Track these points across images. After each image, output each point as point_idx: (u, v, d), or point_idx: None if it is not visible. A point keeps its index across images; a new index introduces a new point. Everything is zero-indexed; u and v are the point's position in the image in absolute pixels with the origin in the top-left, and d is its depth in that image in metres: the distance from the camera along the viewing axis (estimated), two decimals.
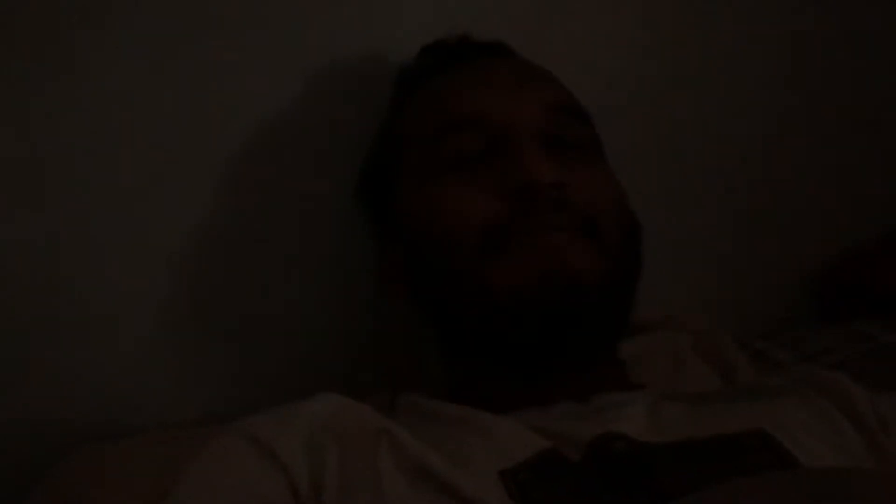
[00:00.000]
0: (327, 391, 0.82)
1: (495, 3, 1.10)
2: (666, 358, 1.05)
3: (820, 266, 1.31)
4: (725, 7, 1.22)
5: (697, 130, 1.23)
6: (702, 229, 1.24)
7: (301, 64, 1.02)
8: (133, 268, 1.00)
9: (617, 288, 0.86)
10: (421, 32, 1.02)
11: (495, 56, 0.98)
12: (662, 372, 1.03)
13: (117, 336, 1.00)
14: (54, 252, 0.97)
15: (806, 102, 1.28)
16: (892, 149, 1.34)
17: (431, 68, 0.97)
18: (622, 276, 0.87)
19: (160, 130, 0.99)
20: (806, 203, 1.29)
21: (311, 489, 0.74)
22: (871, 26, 1.30)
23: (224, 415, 0.92)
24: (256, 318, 1.05)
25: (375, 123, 1.00)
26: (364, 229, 1.01)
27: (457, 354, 0.91)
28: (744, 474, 0.71)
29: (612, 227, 0.87)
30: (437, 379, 0.93)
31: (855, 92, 1.30)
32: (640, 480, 0.73)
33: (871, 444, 0.81)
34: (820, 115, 1.29)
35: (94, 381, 1.00)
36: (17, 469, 0.95)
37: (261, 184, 1.04)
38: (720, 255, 1.26)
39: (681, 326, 1.10)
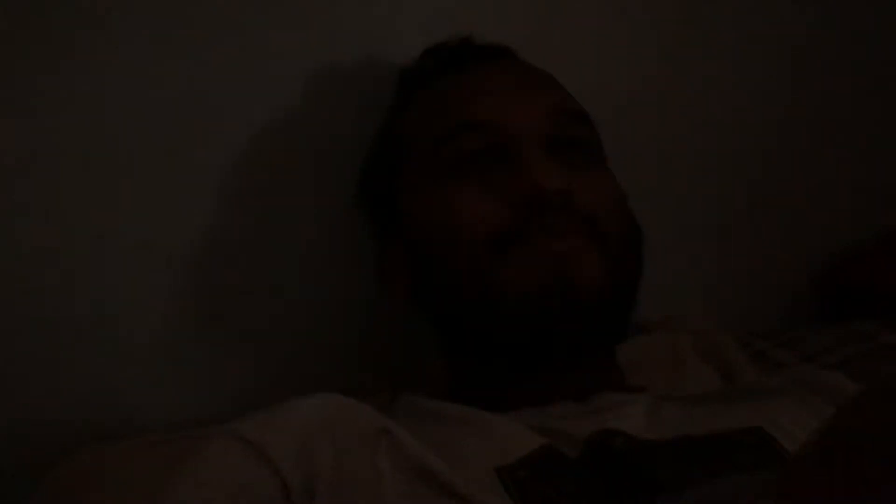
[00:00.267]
0: (327, 391, 0.82)
1: (496, 5, 1.10)
2: (666, 358, 1.05)
3: (820, 266, 1.31)
4: (726, 7, 1.22)
5: (698, 131, 1.23)
6: (702, 229, 1.24)
7: (301, 64, 1.03)
8: (133, 268, 1.00)
9: (618, 293, 0.87)
10: (422, 34, 1.02)
11: (498, 59, 0.98)
12: (663, 373, 1.03)
13: (117, 336, 1.00)
14: (55, 252, 0.97)
15: (806, 102, 1.28)
16: (892, 149, 1.34)
17: (434, 70, 0.97)
18: (624, 280, 0.88)
19: (161, 131, 0.99)
20: (806, 203, 1.29)
21: (304, 489, 0.74)
22: (872, 25, 1.30)
23: (224, 415, 0.91)
24: (256, 319, 1.05)
25: (376, 123, 1.00)
26: (364, 229, 1.01)
27: (457, 355, 0.92)
28: (740, 471, 0.71)
29: (615, 232, 0.88)
30: (436, 379, 0.94)
31: (854, 92, 1.30)
32: (638, 476, 0.74)
33: None
34: (820, 116, 1.29)
35: (95, 381, 1.00)
36: (17, 469, 0.95)
37: (261, 184, 1.04)
38: (720, 256, 1.26)
39: (681, 327, 1.10)
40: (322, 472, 0.74)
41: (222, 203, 1.02)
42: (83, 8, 0.95)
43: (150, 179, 0.99)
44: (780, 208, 1.28)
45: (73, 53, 0.95)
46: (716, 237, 1.25)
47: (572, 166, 0.87)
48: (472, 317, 0.87)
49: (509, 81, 0.93)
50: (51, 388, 0.98)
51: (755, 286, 1.28)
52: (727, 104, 1.24)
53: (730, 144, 1.24)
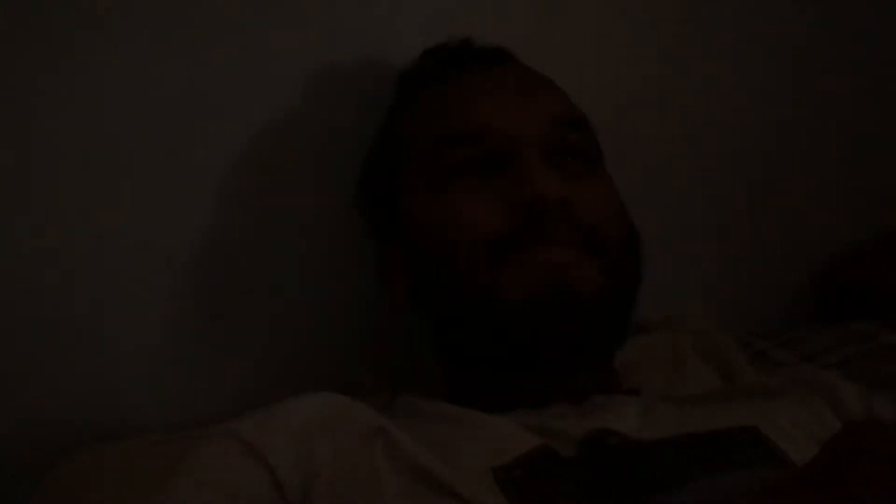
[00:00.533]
0: (327, 391, 0.82)
1: (496, 5, 1.10)
2: (666, 359, 1.06)
3: (820, 266, 1.31)
4: (725, 7, 1.22)
5: (698, 131, 1.23)
6: (702, 229, 1.24)
7: (301, 64, 1.02)
8: (134, 268, 1.00)
9: (617, 300, 0.88)
10: (421, 34, 1.02)
11: (498, 63, 0.98)
12: (663, 373, 1.04)
13: (117, 336, 1.00)
14: (55, 252, 0.97)
15: (806, 103, 1.28)
16: (892, 149, 1.34)
17: (433, 73, 0.97)
18: (623, 288, 0.89)
19: (161, 131, 0.99)
20: (806, 203, 1.29)
21: (300, 489, 0.74)
22: (872, 25, 1.30)
23: (224, 415, 0.91)
24: (256, 319, 1.05)
25: (376, 124, 1.00)
26: (364, 229, 1.01)
27: (455, 356, 0.92)
28: (735, 469, 0.71)
29: (615, 240, 0.88)
30: (434, 379, 0.94)
31: (854, 92, 1.30)
32: (634, 475, 0.74)
33: None
34: (820, 116, 1.29)
35: (95, 381, 1.00)
36: (17, 469, 0.95)
37: (261, 184, 1.04)
38: (720, 256, 1.26)
39: (681, 327, 1.10)
40: (320, 472, 0.74)
41: (222, 203, 1.02)
42: (83, 8, 0.95)
43: (150, 179, 0.99)
44: (780, 208, 1.28)
45: (73, 53, 0.95)
46: (716, 237, 1.25)
47: (572, 173, 0.88)
48: (470, 320, 0.87)
49: (509, 86, 0.93)
50: (51, 388, 0.98)
51: (755, 286, 1.28)
52: (727, 104, 1.24)
53: (730, 144, 1.24)
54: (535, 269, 0.84)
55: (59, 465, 0.91)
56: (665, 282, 1.02)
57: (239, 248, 1.04)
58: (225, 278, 1.04)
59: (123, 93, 0.97)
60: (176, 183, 1.00)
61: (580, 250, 0.85)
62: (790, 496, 0.59)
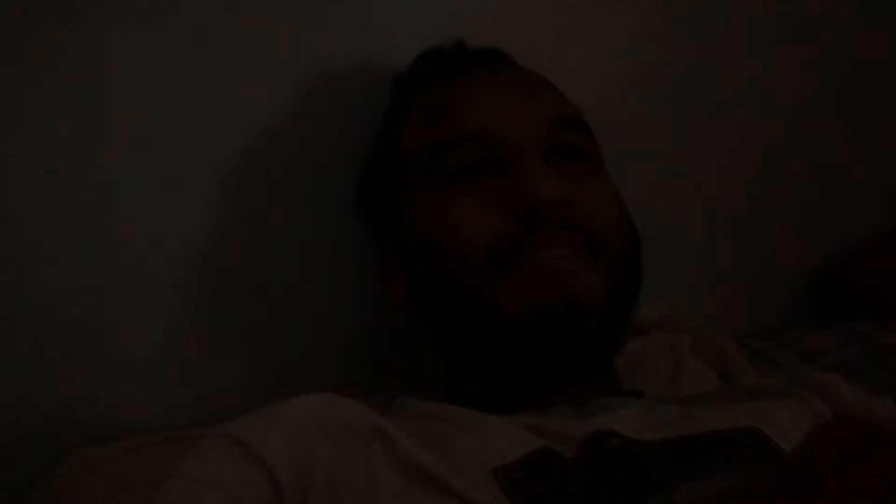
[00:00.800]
0: (326, 391, 0.82)
1: (494, 7, 1.10)
2: (666, 359, 1.06)
3: (820, 266, 1.31)
4: (728, 4, 1.22)
5: (698, 131, 1.23)
6: (702, 229, 1.24)
7: (299, 67, 1.03)
8: (134, 269, 1.00)
9: (618, 305, 0.88)
10: (417, 38, 1.02)
11: (493, 65, 0.98)
12: (663, 373, 1.04)
13: (117, 337, 1.00)
14: (55, 253, 0.97)
15: (807, 103, 1.28)
16: (892, 148, 1.34)
17: (429, 77, 0.97)
18: (623, 292, 0.89)
19: (161, 132, 0.99)
20: (806, 203, 1.29)
21: (297, 489, 0.74)
22: (872, 26, 1.30)
23: (224, 416, 0.91)
24: (256, 320, 1.05)
25: (375, 127, 1.00)
26: (364, 231, 1.01)
27: (454, 362, 0.92)
28: (734, 469, 0.71)
29: (616, 241, 0.88)
30: (434, 380, 0.94)
31: (855, 93, 1.30)
32: (634, 476, 0.74)
33: None
34: (819, 117, 1.29)
35: (95, 381, 1.00)
36: (17, 470, 0.95)
37: (261, 185, 1.04)
38: (720, 255, 1.26)
39: (681, 327, 1.10)
40: (317, 471, 0.75)
41: (223, 205, 1.03)
42: (83, 9, 0.95)
43: (150, 181, 0.99)
44: (780, 208, 1.28)
45: (73, 54, 0.95)
46: (716, 237, 1.25)
47: (571, 175, 0.87)
48: (470, 330, 0.87)
49: (505, 89, 0.93)
50: (51, 388, 0.98)
51: (755, 286, 1.28)
52: (728, 104, 1.23)
53: (730, 145, 1.24)
54: (536, 279, 0.84)
55: (59, 465, 0.91)
56: (665, 282, 1.02)
57: (239, 249, 1.04)
58: (225, 279, 1.04)
59: (123, 95, 0.97)
60: (176, 185, 1.00)
61: (580, 253, 0.85)
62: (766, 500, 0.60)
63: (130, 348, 1.01)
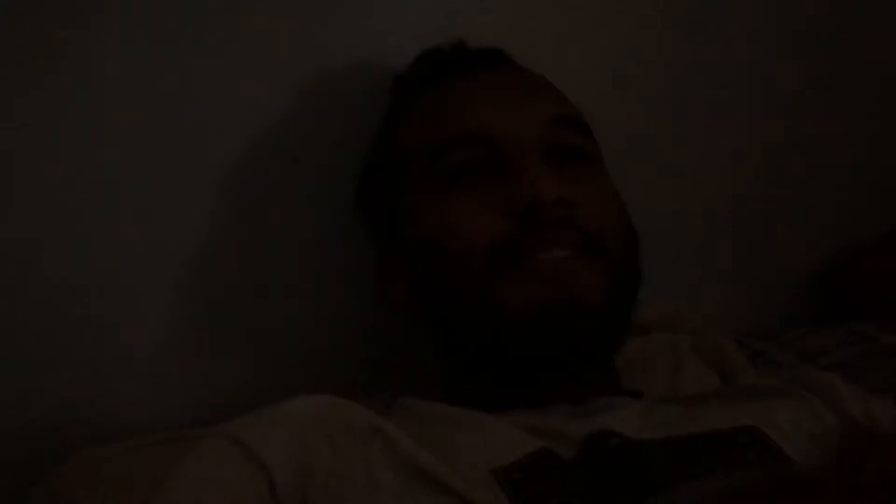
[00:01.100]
0: (326, 391, 0.82)
1: (494, 7, 1.10)
2: (666, 359, 1.06)
3: (820, 266, 1.31)
4: (726, 8, 1.22)
5: (698, 130, 1.23)
6: (702, 229, 1.24)
7: (298, 67, 1.03)
8: (134, 269, 1.00)
9: (618, 304, 0.88)
10: (417, 38, 1.02)
11: (493, 64, 0.98)
12: (663, 373, 1.04)
13: (117, 337, 1.00)
14: (55, 253, 0.97)
15: (807, 102, 1.28)
16: (892, 148, 1.34)
17: (429, 76, 0.97)
18: (623, 292, 0.89)
19: (162, 133, 0.99)
20: (806, 203, 1.29)
21: (296, 490, 0.74)
22: (870, 25, 1.30)
23: (224, 416, 0.92)
24: (256, 320, 1.05)
25: (373, 127, 1.00)
26: (364, 231, 1.01)
27: (454, 362, 0.92)
28: (734, 469, 0.71)
29: (615, 241, 0.88)
30: (433, 380, 0.94)
31: (855, 93, 1.30)
32: (634, 476, 0.74)
33: None
34: (819, 117, 1.29)
35: (95, 381, 1.00)
36: (17, 470, 0.95)
37: (261, 185, 1.04)
38: (720, 255, 1.26)
39: (681, 327, 1.10)
40: (316, 472, 0.75)
41: (223, 205, 1.03)
42: (83, 9, 0.95)
43: (150, 181, 0.99)
44: (779, 208, 1.28)
45: (73, 54, 0.95)
46: (716, 237, 1.25)
47: (570, 175, 0.87)
48: (470, 330, 0.87)
49: (505, 89, 0.93)
50: (51, 388, 0.98)
51: (755, 286, 1.28)
52: (728, 104, 1.23)
53: (730, 145, 1.24)
54: (536, 279, 0.84)
55: (59, 465, 0.92)
56: (665, 282, 1.02)
57: (239, 250, 1.04)
58: (225, 279, 1.04)
59: (122, 94, 0.97)
60: (176, 185, 1.00)
61: (580, 253, 0.85)
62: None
63: (130, 348, 1.01)
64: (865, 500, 0.56)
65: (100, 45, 0.96)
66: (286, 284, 1.05)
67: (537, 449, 0.77)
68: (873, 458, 0.58)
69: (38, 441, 0.97)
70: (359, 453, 0.76)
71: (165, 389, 1.02)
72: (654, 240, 0.94)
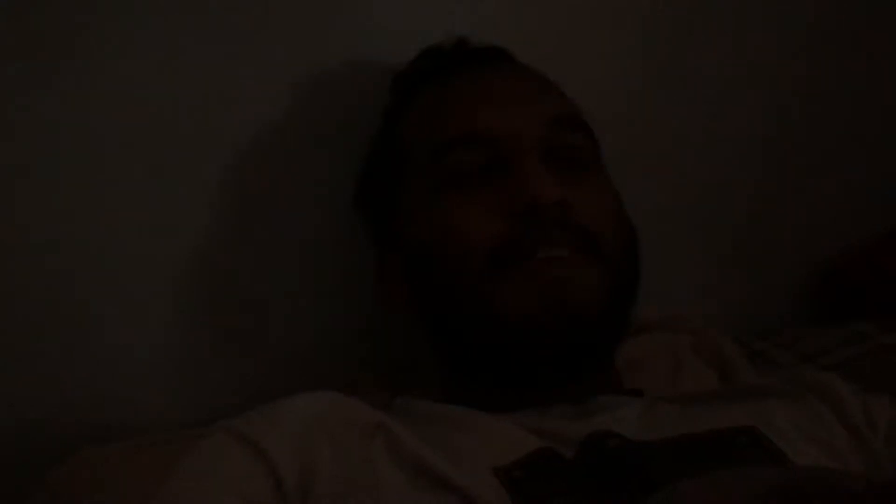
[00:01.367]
0: (326, 391, 0.82)
1: (495, 7, 1.10)
2: (666, 359, 1.06)
3: (820, 266, 1.31)
4: (726, 8, 1.22)
5: (699, 130, 1.23)
6: (702, 229, 1.24)
7: (298, 68, 1.03)
8: (134, 269, 1.00)
9: (616, 305, 0.88)
10: (417, 38, 1.01)
11: (494, 63, 0.98)
12: (662, 373, 1.04)
13: (117, 338, 1.00)
14: (55, 253, 0.97)
15: (804, 103, 1.27)
16: (891, 148, 1.34)
17: (428, 75, 0.97)
18: (622, 290, 0.89)
19: (162, 133, 0.99)
20: (805, 203, 1.29)
21: (300, 486, 0.74)
22: (870, 25, 1.30)
23: (224, 415, 0.92)
24: (256, 320, 1.05)
25: (373, 127, 1.00)
26: (364, 231, 1.01)
27: (454, 361, 0.92)
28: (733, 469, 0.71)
29: (614, 241, 0.88)
30: (434, 380, 0.94)
31: (853, 92, 1.30)
32: (633, 476, 0.74)
33: (859, 444, 0.83)
34: (818, 117, 1.28)
35: (95, 381, 1.00)
36: (17, 470, 0.95)
37: (262, 185, 1.04)
38: (720, 255, 1.26)
39: (681, 327, 1.10)
40: (320, 469, 0.75)
41: (224, 205, 1.03)
42: (83, 9, 0.95)
43: (150, 181, 0.99)
44: (780, 208, 1.28)
45: (73, 54, 0.95)
46: (716, 237, 1.25)
47: (570, 175, 0.87)
48: (469, 331, 0.87)
49: (505, 89, 0.93)
50: (51, 388, 0.98)
51: (755, 286, 1.28)
52: (729, 103, 1.23)
53: (730, 144, 1.24)
54: (535, 281, 0.84)
55: (59, 465, 0.92)
56: (665, 282, 1.02)
57: (239, 250, 1.04)
58: (225, 279, 1.04)
59: (122, 94, 0.97)
60: (176, 185, 1.00)
61: (578, 253, 0.85)
62: None
63: (130, 348, 1.01)
64: None
65: (100, 45, 0.96)
66: (286, 284, 1.05)
67: (538, 448, 0.77)
68: None
69: (38, 441, 0.97)
70: (361, 450, 0.76)
71: (165, 389, 1.02)
72: (654, 240, 0.94)
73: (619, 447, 0.77)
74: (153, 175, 1.00)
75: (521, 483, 0.74)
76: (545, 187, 0.84)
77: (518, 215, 0.85)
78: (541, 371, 0.86)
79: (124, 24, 0.97)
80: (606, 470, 0.75)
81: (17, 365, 0.97)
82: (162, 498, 0.73)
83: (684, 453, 0.77)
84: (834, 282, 1.30)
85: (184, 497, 0.73)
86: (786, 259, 1.29)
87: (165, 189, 1.00)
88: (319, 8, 1.02)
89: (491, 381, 0.88)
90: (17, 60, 0.94)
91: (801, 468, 0.76)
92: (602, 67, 1.15)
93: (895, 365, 1.12)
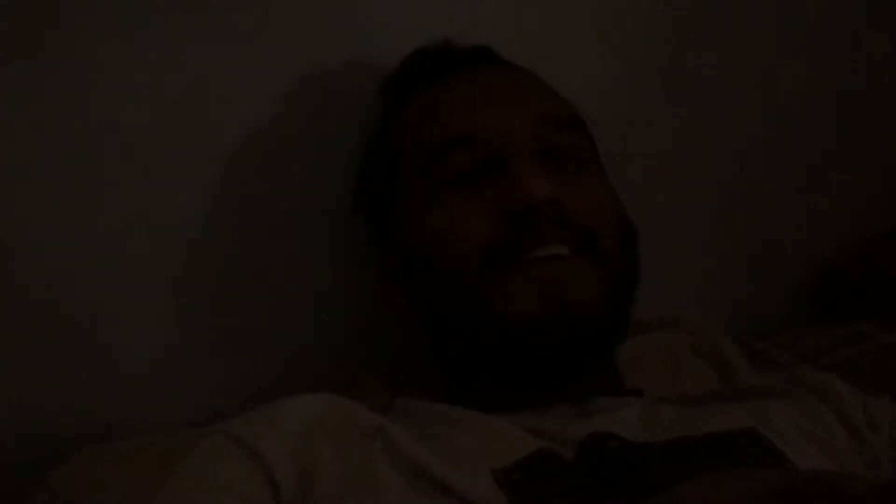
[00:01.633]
0: (326, 391, 0.82)
1: (494, 7, 1.10)
2: (665, 359, 1.06)
3: (820, 266, 1.31)
4: (726, 7, 1.22)
5: (698, 129, 1.23)
6: (702, 229, 1.24)
7: (299, 67, 1.03)
8: (134, 269, 1.00)
9: (615, 304, 0.88)
10: (416, 38, 1.01)
11: (483, 64, 0.97)
12: (662, 373, 1.04)
13: (117, 338, 1.00)
14: (55, 253, 0.97)
15: (804, 103, 1.28)
16: (891, 148, 1.34)
17: (418, 78, 0.97)
18: (620, 289, 0.89)
19: (162, 133, 0.99)
20: (805, 203, 1.29)
21: (297, 488, 0.74)
22: (870, 25, 1.30)
23: (224, 415, 0.92)
24: (256, 320, 1.05)
25: (371, 127, 1.00)
26: (362, 232, 1.01)
27: (453, 362, 0.92)
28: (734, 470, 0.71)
29: (611, 238, 0.88)
30: (433, 381, 0.94)
31: (852, 92, 1.30)
32: (633, 478, 0.74)
33: (859, 444, 0.83)
34: (818, 116, 1.28)
35: (95, 381, 1.00)
36: (17, 470, 0.95)
37: (261, 185, 1.04)
38: (720, 255, 1.26)
39: (679, 327, 1.10)
40: (318, 472, 0.75)
41: (224, 206, 1.03)
42: (83, 9, 0.95)
43: (150, 180, 0.99)
44: (780, 208, 1.28)
45: (73, 54, 0.95)
46: (716, 237, 1.25)
47: (564, 175, 0.87)
48: (468, 331, 0.87)
49: (499, 90, 0.93)
50: (51, 388, 0.98)
51: (755, 286, 1.28)
52: (729, 103, 1.23)
53: (730, 143, 1.24)
54: (535, 284, 0.83)
55: (59, 465, 0.92)
56: (664, 281, 1.02)
57: (239, 250, 1.04)
58: (225, 280, 1.04)
59: (122, 94, 0.97)
60: (176, 184, 1.00)
61: (576, 252, 0.85)
62: None
63: (130, 348, 1.01)
64: None
65: (100, 45, 0.96)
66: (286, 284, 1.05)
67: (537, 449, 0.77)
68: None
69: (38, 441, 0.97)
70: (360, 452, 0.76)
71: (165, 389, 1.02)
72: (654, 239, 0.94)
73: (619, 448, 0.77)
74: (153, 175, 1.00)
75: (521, 484, 0.74)
76: (538, 187, 0.84)
77: (512, 215, 0.85)
78: (540, 371, 0.86)
79: (124, 24, 0.97)
80: (606, 471, 0.75)
81: (17, 365, 0.97)
82: (161, 498, 0.73)
83: (684, 454, 0.77)
84: (834, 282, 1.30)
85: (184, 497, 0.74)
86: (786, 259, 1.29)
87: (165, 189, 1.00)
88: (319, 8, 1.02)
89: (490, 381, 0.88)
90: (17, 60, 0.94)
91: (801, 470, 0.76)
92: (602, 67, 1.15)
93: (895, 365, 1.12)
